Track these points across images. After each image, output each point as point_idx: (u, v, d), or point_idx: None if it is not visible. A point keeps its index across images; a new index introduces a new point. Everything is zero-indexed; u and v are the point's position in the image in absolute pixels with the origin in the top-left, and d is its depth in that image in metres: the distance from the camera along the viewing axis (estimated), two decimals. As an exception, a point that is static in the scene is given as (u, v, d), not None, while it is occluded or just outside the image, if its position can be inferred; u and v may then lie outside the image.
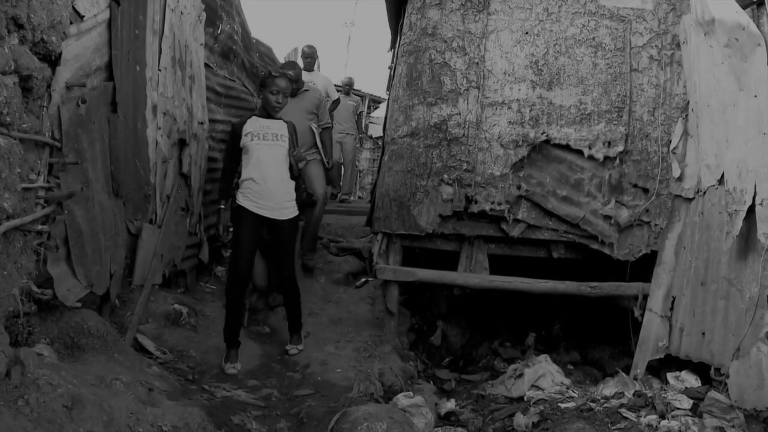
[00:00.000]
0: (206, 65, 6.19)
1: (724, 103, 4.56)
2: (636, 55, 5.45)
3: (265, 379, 4.54)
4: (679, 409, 4.08)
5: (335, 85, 10.40)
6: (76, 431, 2.63)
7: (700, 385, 4.43)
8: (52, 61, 3.25)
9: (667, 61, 5.43)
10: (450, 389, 5.36)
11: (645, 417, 3.94)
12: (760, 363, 3.88)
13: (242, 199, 4.78)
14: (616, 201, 5.35)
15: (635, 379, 4.75)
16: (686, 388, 4.42)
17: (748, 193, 4.18)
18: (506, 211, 5.38)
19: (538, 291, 5.50)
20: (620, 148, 5.35)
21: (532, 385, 4.76)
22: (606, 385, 4.64)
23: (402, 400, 4.31)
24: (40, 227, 3.18)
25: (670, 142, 5.27)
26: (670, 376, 4.61)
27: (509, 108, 5.46)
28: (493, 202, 5.39)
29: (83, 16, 3.59)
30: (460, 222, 5.51)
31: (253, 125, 4.83)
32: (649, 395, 4.27)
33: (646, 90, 5.43)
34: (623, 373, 4.73)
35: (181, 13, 5.24)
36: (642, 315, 5.12)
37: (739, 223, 4.21)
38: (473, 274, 5.51)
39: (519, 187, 5.40)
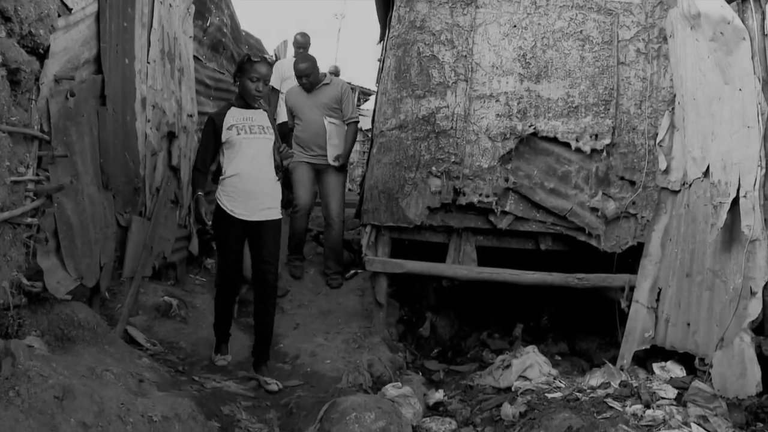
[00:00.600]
0: (195, 58, 6.19)
1: (709, 97, 4.60)
2: (623, 48, 5.49)
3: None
4: (664, 398, 4.13)
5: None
6: (67, 422, 2.65)
7: (685, 374, 4.49)
8: (41, 54, 3.26)
9: (654, 54, 5.47)
10: (438, 380, 5.40)
11: (630, 407, 3.99)
12: (742, 353, 3.94)
13: (226, 201, 4.37)
14: (603, 193, 5.39)
15: (621, 369, 4.80)
16: (671, 377, 4.48)
17: (733, 186, 4.23)
18: (494, 203, 5.42)
19: (525, 282, 5.54)
20: (607, 141, 5.38)
21: (520, 376, 4.81)
22: (593, 376, 4.69)
23: (390, 390, 4.35)
24: (29, 220, 3.19)
25: (657, 134, 5.31)
26: (655, 366, 4.67)
27: (497, 101, 5.49)
28: (481, 195, 5.43)
29: (71, 9, 3.59)
30: (449, 214, 5.54)
31: (235, 117, 4.40)
32: (635, 385, 4.33)
33: (633, 83, 5.47)
34: (610, 364, 4.78)
35: (170, 5, 5.24)
36: (629, 306, 5.17)
37: (723, 215, 4.27)
38: (462, 265, 5.55)
39: (507, 180, 5.43)
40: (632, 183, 5.39)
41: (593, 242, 5.42)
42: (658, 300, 4.95)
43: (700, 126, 4.74)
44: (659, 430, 3.68)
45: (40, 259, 3.36)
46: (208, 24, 6.63)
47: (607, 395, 4.22)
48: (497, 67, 5.53)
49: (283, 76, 7.83)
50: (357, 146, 19.40)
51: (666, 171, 5.18)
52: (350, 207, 8.70)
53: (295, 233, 6.51)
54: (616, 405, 4.03)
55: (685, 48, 4.94)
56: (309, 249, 7.14)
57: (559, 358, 5.77)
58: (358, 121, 6.48)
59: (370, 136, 6.69)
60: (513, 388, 4.67)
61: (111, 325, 4.26)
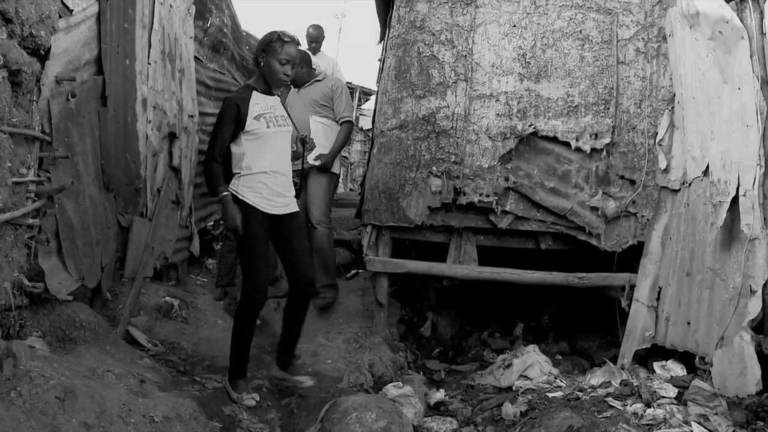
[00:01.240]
0: (196, 58, 6.20)
1: (709, 96, 4.61)
2: (623, 47, 5.49)
3: (256, 371, 4.57)
4: (664, 397, 4.14)
5: None
6: (68, 422, 2.66)
7: (685, 373, 4.50)
8: (42, 55, 3.27)
9: (654, 53, 5.47)
10: (439, 379, 5.41)
11: (631, 406, 4.00)
12: (742, 351, 3.95)
13: (252, 197, 3.89)
14: (603, 192, 5.40)
15: (622, 368, 4.81)
16: (672, 376, 4.48)
17: (732, 185, 4.24)
18: (494, 203, 5.43)
19: (526, 282, 5.55)
20: (607, 140, 5.39)
21: (521, 375, 4.82)
22: (593, 375, 4.70)
23: (391, 390, 4.36)
24: (30, 221, 3.20)
25: (657, 134, 5.31)
26: (656, 365, 4.68)
27: (497, 100, 5.49)
28: (481, 194, 5.43)
29: (72, 10, 3.61)
30: (449, 214, 5.55)
31: (260, 105, 3.93)
32: (636, 384, 4.33)
33: (633, 82, 5.48)
34: (610, 363, 4.79)
35: (171, 6, 5.25)
36: (629, 305, 5.17)
37: (723, 214, 4.27)
38: (462, 265, 5.55)
39: (507, 179, 5.44)
40: (632, 182, 5.40)
41: (593, 241, 5.42)
42: (658, 299, 4.95)
43: (699, 125, 4.74)
44: (660, 429, 3.69)
45: (41, 260, 3.37)
46: (208, 25, 6.64)
47: (608, 394, 4.23)
48: (497, 67, 5.53)
49: None
50: (358, 146, 19.44)
51: (666, 170, 5.18)
52: (350, 207, 8.72)
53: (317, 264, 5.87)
54: (617, 404, 4.04)
55: (684, 47, 4.95)
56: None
57: (560, 357, 5.78)
58: (351, 121, 6.02)
59: (370, 135, 6.68)
60: (514, 388, 4.68)
61: (112, 325, 4.28)
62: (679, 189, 4.99)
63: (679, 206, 4.96)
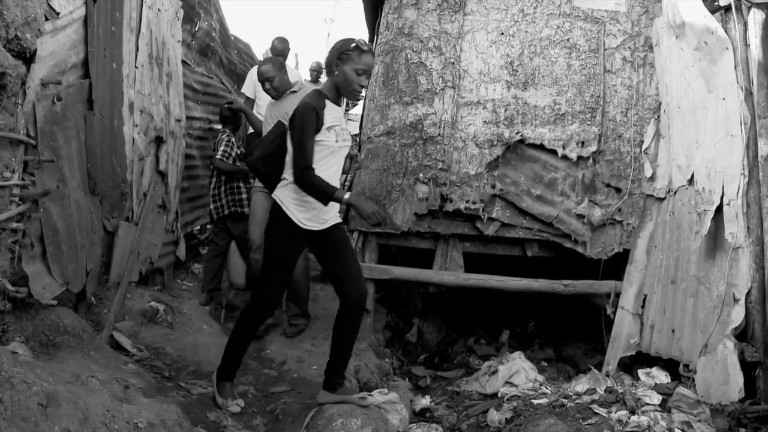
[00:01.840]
0: (184, 62, 6.19)
1: (694, 105, 4.65)
2: (609, 56, 5.54)
3: (241, 377, 4.56)
4: (648, 404, 4.15)
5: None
6: (51, 429, 2.63)
7: (669, 381, 4.52)
8: (27, 58, 3.25)
9: (640, 62, 5.52)
10: (425, 386, 5.41)
11: (615, 413, 4.01)
12: (726, 359, 3.97)
13: (297, 211, 3.64)
14: (590, 200, 5.43)
15: (607, 375, 4.83)
16: (656, 384, 4.50)
17: (717, 194, 4.28)
18: (481, 210, 5.44)
19: (512, 289, 5.56)
20: (593, 148, 5.43)
21: (506, 382, 4.82)
22: (578, 382, 4.71)
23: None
24: (15, 225, 3.18)
25: (643, 142, 5.35)
26: (641, 372, 4.70)
27: (484, 108, 5.52)
28: (468, 201, 5.45)
29: (59, 13, 3.58)
30: (436, 220, 5.56)
31: (332, 116, 3.67)
32: (620, 391, 4.34)
33: (620, 91, 5.52)
34: (595, 370, 4.81)
35: (159, 10, 5.24)
36: (614, 313, 5.20)
37: (707, 222, 4.31)
38: (448, 272, 5.56)
39: (494, 186, 5.46)
40: (618, 190, 5.43)
41: (579, 249, 5.45)
42: (643, 306, 4.98)
43: (685, 134, 4.78)
44: (644, 436, 3.71)
45: (25, 265, 3.34)
46: (196, 28, 6.63)
47: (593, 401, 4.23)
48: (485, 75, 5.56)
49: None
50: (345, 151, 19.39)
51: (651, 178, 5.22)
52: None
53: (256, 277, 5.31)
54: (602, 411, 4.04)
55: (670, 57, 4.99)
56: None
57: (546, 364, 5.79)
58: None
59: (357, 141, 6.68)
60: (499, 394, 4.68)
61: (97, 330, 4.24)
62: (665, 197, 5.02)
63: (664, 214, 5.00)
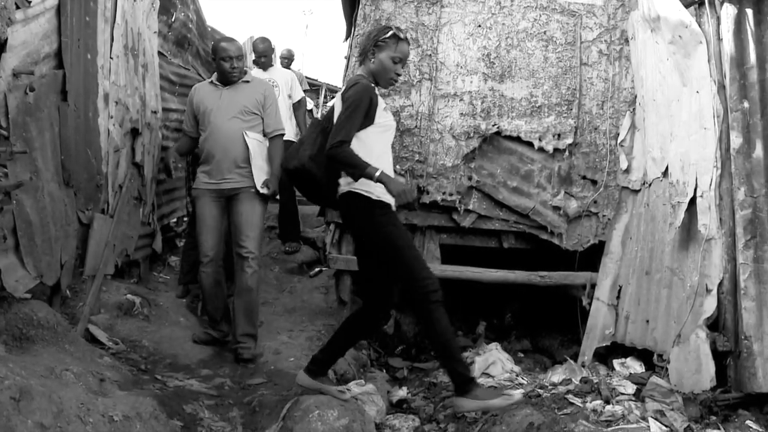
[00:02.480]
0: (160, 53, 6.12)
1: (669, 98, 4.70)
2: (586, 49, 5.58)
3: (218, 369, 4.55)
4: (623, 394, 4.21)
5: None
6: (23, 423, 2.61)
7: (643, 370, 4.58)
8: (-2, 47, 3.20)
9: (616, 55, 5.56)
10: (402, 377, 5.43)
11: (591, 402, 4.06)
12: (698, 348, 4.03)
13: (383, 194, 3.46)
14: (566, 192, 5.47)
15: (583, 366, 4.88)
16: (630, 373, 4.56)
17: (690, 186, 4.33)
18: (457, 202, 5.46)
19: (489, 280, 5.59)
20: (570, 141, 5.47)
21: (483, 373, 4.86)
22: (554, 372, 4.76)
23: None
24: (-14, 217, 3.14)
25: (618, 135, 5.41)
26: (616, 362, 4.76)
27: (461, 100, 5.53)
28: (444, 193, 5.47)
29: (30, 1, 3.52)
30: (412, 212, 5.56)
31: (381, 99, 3.63)
32: (596, 381, 4.40)
33: (596, 84, 5.56)
34: (571, 361, 4.86)
35: (134, 0, 5.18)
36: (590, 304, 5.25)
37: (681, 214, 4.37)
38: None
39: (470, 178, 5.48)
40: (594, 182, 5.48)
41: (555, 240, 5.49)
42: (618, 297, 5.04)
43: (659, 127, 4.83)
44: (618, 425, 3.75)
45: (-3, 257, 3.31)
46: (173, 19, 6.56)
47: (568, 391, 4.29)
48: (462, 67, 5.57)
49: None
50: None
51: (627, 170, 5.27)
52: (314, 205, 8.66)
53: (208, 296, 4.92)
54: (577, 401, 4.09)
55: (645, 50, 5.03)
56: (273, 247, 7.11)
57: (522, 355, 5.84)
58: (283, 135, 5.00)
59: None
60: (476, 385, 4.71)
61: (72, 323, 4.21)
62: (640, 189, 5.08)
63: (639, 206, 5.05)
